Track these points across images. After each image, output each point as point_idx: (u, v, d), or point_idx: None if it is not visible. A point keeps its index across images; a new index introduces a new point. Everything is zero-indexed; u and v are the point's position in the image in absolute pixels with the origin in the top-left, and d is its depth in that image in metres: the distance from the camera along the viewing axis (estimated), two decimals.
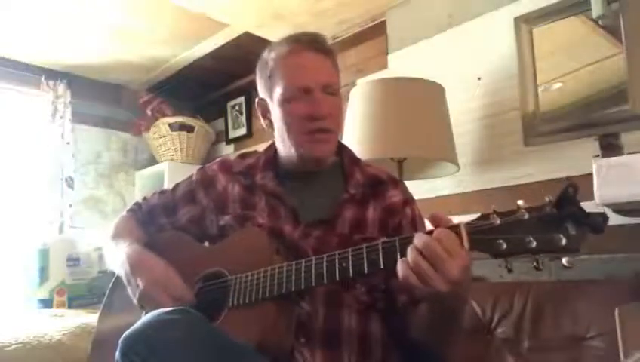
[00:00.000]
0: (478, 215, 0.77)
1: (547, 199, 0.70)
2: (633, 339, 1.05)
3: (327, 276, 0.87)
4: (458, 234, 0.76)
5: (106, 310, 1.23)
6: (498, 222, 0.73)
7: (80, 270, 2.16)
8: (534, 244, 0.70)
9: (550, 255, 0.70)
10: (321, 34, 1.14)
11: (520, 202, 0.73)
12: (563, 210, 0.69)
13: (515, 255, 0.73)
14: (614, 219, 1.38)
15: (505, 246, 0.72)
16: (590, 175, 1.28)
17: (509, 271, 0.74)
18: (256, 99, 1.16)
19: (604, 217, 0.68)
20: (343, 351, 0.97)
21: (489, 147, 1.86)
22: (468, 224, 0.76)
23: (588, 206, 0.70)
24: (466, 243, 0.75)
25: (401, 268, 0.77)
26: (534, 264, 0.72)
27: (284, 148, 1.12)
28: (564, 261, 0.69)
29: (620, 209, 1.35)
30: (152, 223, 1.25)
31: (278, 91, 1.07)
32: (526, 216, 0.71)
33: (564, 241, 0.68)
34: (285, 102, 1.07)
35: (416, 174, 1.88)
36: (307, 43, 1.08)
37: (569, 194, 0.69)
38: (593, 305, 1.28)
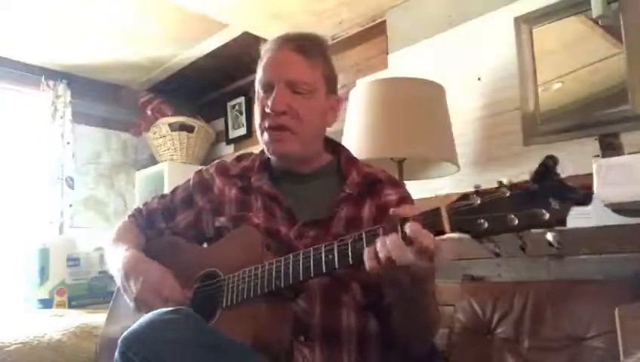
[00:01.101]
0: (459, 196, 0.75)
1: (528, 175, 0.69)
2: (633, 339, 1.05)
3: (313, 268, 0.86)
4: (438, 216, 0.75)
5: (112, 313, 1.23)
6: (479, 201, 0.72)
7: (80, 270, 2.16)
8: (517, 222, 0.68)
9: (534, 230, 0.68)
10: (313, 34, 1.13)
11: (502, 180, 0.71)
12: (544, 184, 0.67)
13: (497, 233, 0.71)
14: (614, 219, 1.39)
15: (486, 225, 0.70)
16: (590, 175, 1.28)
17: (497, 255, 0.72)
18: None
19: (587, 190, 0.66)
20: (342, 349, 0.97)
21: (489, 147, 1.86)
22: (447, 206, 0.75)
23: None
24: (446, 225, 0.74)
25: (370, 268, 0.78)
26: (520, 243, 0.70)
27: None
28: (548, 237, 0.68)
29: (620, 209, 1.35)
30: (152, 228, 1.26)
31: (255, 87, 1.11)
32: (507, 194, 0.70)
33: (547, 216, 0.66)
34: (257, 97, 1.10)
35: (416, 174, 1.88)
36: (286, 41, 1.08)
37: (549, 167, 0.67)
38: (593, 305, 1.28)
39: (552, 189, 0.66)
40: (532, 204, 0.67)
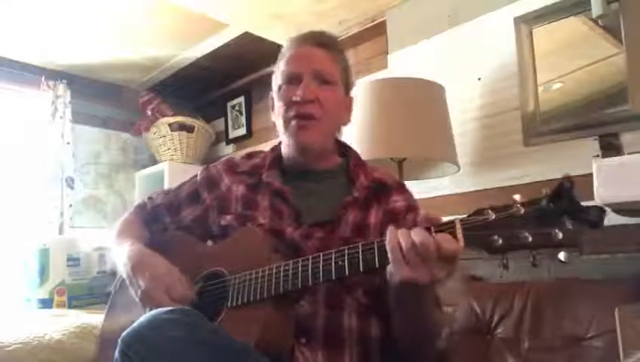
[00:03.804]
0: (473, 210, 0.75)
1: (544, 192, 0.69)
2: (633, 339, 1.05)
3: (323, 274, 0.87)
4: (453, 230, 0.75)
5: (112, 309, 1.23)
6: (493, 217, 0.72)
7: (80, 270, 2.16)
8: (530, 239, 0.69)
9: (547, 250, 0.69)
10: (328, 32, 1.18)
11: (516, 196, 0.71)
12: (559, 204, 0.68)
13: (510, 251, 0.71)
14: (614, 219, 1.39)
15: (500, 242, 0.71)
16: (590, 175, 1.27)
17: (505, 267, 0.73)
18: (270, 94, 1.20)
19: (600, 211, 0.67)
20: (344, 351, 0.97)
21: (489, 147, 1.86)
22: (462, 220, 0.75)
23: None
24: (460, 240, 0.74)
25: (392, 248, 0.78)
26: (531, 259, 0.71)
27: (283, 140, 1.14)
28: (561, 256, 0.68)
29: (620, 209, 1.35)
30: (156, 223, 1.26)
31: (276, 83, 1.13)
32: (522, 211, 0.70)
33: (560, 236, 0.67)
34: (278, 91, 1.12)
35: (416, 174, 1.88)
36: (306, 38, 1.12)
37: (565, 188, 0.68)
38: (593, 305, 1.28)
39: (567, 209, 0.67)
40: (546, 222, 0.68)
